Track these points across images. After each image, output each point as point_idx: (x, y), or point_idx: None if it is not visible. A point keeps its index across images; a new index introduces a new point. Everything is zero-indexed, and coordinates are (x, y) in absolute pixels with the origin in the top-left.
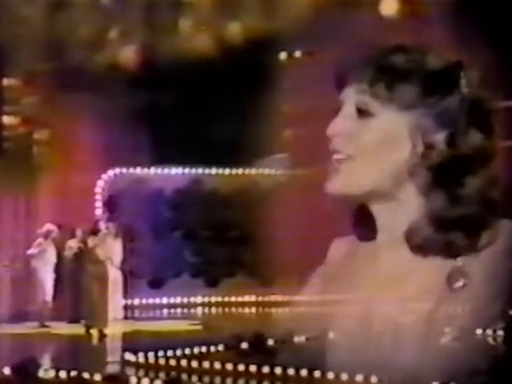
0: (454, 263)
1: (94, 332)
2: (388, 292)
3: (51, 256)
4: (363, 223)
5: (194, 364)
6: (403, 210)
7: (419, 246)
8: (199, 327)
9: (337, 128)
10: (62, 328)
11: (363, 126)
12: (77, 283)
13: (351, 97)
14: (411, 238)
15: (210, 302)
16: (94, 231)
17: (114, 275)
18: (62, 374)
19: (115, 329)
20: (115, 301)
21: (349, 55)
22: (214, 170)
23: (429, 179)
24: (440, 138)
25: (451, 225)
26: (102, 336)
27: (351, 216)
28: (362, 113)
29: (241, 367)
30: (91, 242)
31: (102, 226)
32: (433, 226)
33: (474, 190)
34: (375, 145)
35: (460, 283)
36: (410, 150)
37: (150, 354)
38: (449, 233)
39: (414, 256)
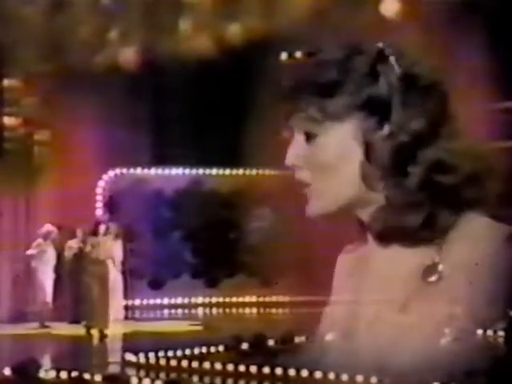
0: (430, 258)
1: (95, 332)
2: (377, 291)
3: (51, 257)
4: (356, 226)
5: (195, 364)
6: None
7: (380, 234)
8: (200, 328)
9: (291, 158)
10: (63, 328)
11: (313, 149)
12: (77, 284)
13: (297, 125)
14: (372, 226)
15: (210, 302)
16: (94, 232)
17: (115, 276)
18: (63, 375)
19: (116, 329)
20: (116, 301)
21: (286, 85)
22: (214, 171)
23: (377, 174)
24: (378, 136)
25: (404, 212)
26: (103, 336)
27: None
28: (309, 137)
29: (241, 368)
30: (91, 242)
31: (102, 226)
32: (390, 213)
33: (417, 176)
34: (329, 161)
35: (433, 278)
36: (359, 157)
37: (151, 355)
38: (404, 219)
39: (396, 252)
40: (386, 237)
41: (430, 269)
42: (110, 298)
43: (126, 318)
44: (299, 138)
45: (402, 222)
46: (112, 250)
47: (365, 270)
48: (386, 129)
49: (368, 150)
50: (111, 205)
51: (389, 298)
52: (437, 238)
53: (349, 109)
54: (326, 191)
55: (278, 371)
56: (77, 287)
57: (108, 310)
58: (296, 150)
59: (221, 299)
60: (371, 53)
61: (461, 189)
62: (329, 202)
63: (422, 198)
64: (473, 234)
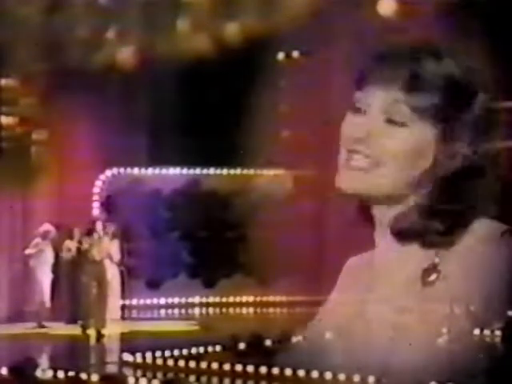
0: (431, 259)
1: (92, 332)
2: (381, 290)
3: (49, 256)
4: (362, 223)
5: (192, 364)
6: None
7: (400, 231)
8: (197, 327)
9: (360, 131)
10: (60, 328)
11: (393, 133)
12: (74, 284)
13: (380, 101)
14: (395, 225)
15: (207, 302)
16: (89, 231)
17: (112, 275)
18: (60, 375)
19: (113, 329)
20: (113, 301)
21: (371, 52)
22: (211, 171)
23: (439, 186)
24: (460, 148)
25: (435, 214)
26: (100, 336)
27: (352, 215)
28: (393, 120)
29: (238, 368)
30: (87, 242)
31: (98, 226)
32: (419, 216)
33: (476, 193)
34: (403, 154)
35: (432, 278)
36: (431, 160)
37: (148, 355)
38: (430, 224)
39: (401, 252)
40: (405, 236)
41: (430, 269)
42: (107, 298)
43: (123, 317)
44: (377, 115)
45: (428, 226)
46: (108, 249)
47: (370, 270)
48: (465, 146)
49: (446, 160)
50: (108, 205)
51: (391, 299)
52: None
53: (448, 112)
54: (379, 177)
55: (275, 371)
56: (74, 287)
57: (105, 310)
58: (371, 124)
59: (218, 299)
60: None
61: (487, 196)
62: (373, 187)
63: (464, 208)
64: (471, 233)
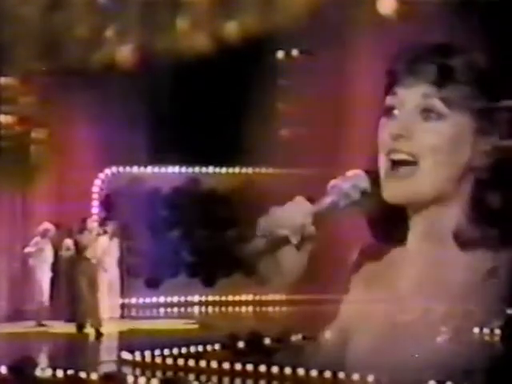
0: (491, 262)
1: (90, 331)
2: (419, 295)
3: (48, 255)
4: (393, 227)
5: (191, 363)
6: (447, 214)
7: (467, 241)
8: (196, 326)
9: (399, 128)
10: (59, 327)
11: (430, 127)
12: (72, 282)
13: (414, 98)
14: (459, 234)
15: (206, 301)
16: (81, 230)
17: (112, 274)
18: (59, 373)
19: (112, 328)
20: (112, 300)
21: (401, 53)
22: (211, 169)
23: (486, 177)
24: (495, 142)
25: (500, 219)
26: (99, 335)
27: (379, 219)
28: (428, 115)
29: (237, 366)
30: (81, 240)
31: (90, 224)
32: (482, 218)
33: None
34: (442, 148)
35: (494, 280)
36: (469, 153)
37: (147, 353)
38: (496, 227)
39: (452, 257)
40: (470, 245)
41: (492, 272)
42: (102, 296)
43: (123, 316)
44: (413, 112)
45: (487, 232)
46: (105, 248)
47: (403, 271)
48: (495, 142)
49: (487, 151)
50: (108, 203)
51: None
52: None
53: (481, 103)
54: (422, 179)
55: (275, 369)
56: (72, 286)
57: (98, 309)
58: (407, 120)
59: (217, 298)
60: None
61: None
62: (419, 192)
63: None
64: None
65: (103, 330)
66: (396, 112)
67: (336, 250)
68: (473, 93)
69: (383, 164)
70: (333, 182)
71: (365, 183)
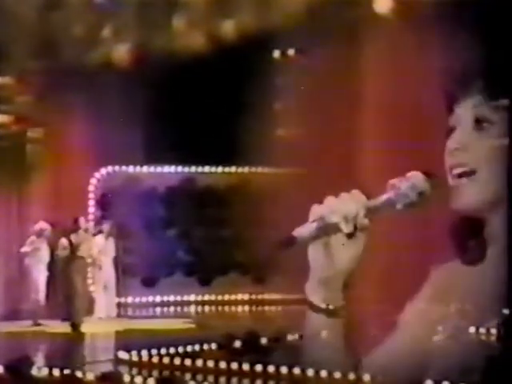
0: None
1: (70, 324)
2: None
3: (44, 254)
4: (472, 247)
5: (188, 362)
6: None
7: None
8: (192, 325)
9: (455, 142)
10: (56, 326)
11: (481, 135)
12: (67, 281)
13: (468, 111)
14: None
15: (203, 300)
16: (75, 229)
17: (108, 274)
18: (56, 373)
19: (108, 327)
20: (109, 299)
21: (455, 73)
22: (207, 168)
23: None
24: None
25: None
26: (77, 331)
27: (460, 240)
28: (481, 124)
29: (234, 365)
30: (75, 239)
31: (83, 223)
32: None
33: None
34: (495, 153)
35: None
36: None
37: (144, 353)
38: None
39: None
40: None
41: None
42: (98, 296)
43: (119, 315)
44: (467, 123)
45: None
46: (100, 247)
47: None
48: None
49: None
50: (104, 202)
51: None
52: None
53: None
54: (490, 180)
55: (271, 369)
56: (68, 285)
57: (83, 306)
58: (462, 134)
59: (214, 297)
60: None
61: None
62: (488, 192)
63: None
64: None
65: (99, 329)
66: (453, 130)
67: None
68: None
69: (450, 180)
70: (392, 181)
71: (423, 185)
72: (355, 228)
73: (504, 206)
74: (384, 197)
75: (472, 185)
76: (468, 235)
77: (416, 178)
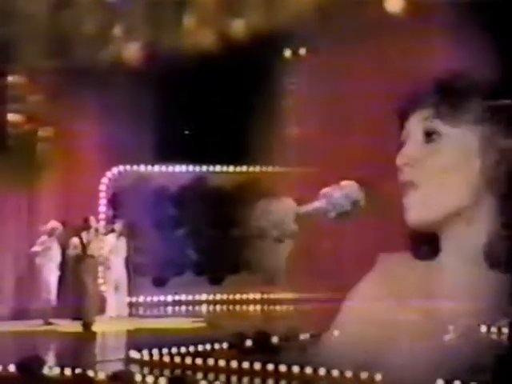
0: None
1: (81, 323)
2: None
3: (55, 254)
4: (424, 243)
5: (199, 361)
6: (476, 226)
7: (499, 262)
8: (203, 325)
9: (405, 157)
10: (67, 326)
11: (432, 150)
12: (78, 281)
13: (416, 124)
14: (490, 255)
15: (214, 299)
16: (85, 228)
17: (119, 273)
18: (67, 372)
19: (119, 326)
20: (120, 299)
21: (410, 90)
22: (218, 168)
23: (506, 184)
24: (506, 146)
25: None
26: (88, 330)
27: (410, 235)
28: (430, 136)
29: (245, 365)
30: (86, 238)
31: (93, 222)
32: (506, 238)
33: None
34: (445, 164)
35: None
36: (480, 163)
37: (155, 352)
38: None
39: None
40: (504, 265)
41: None
42: (109, 295)
43: (130, 314)
44: (416, 137)
45: None
46: (111, 246)
47: (433, 283)
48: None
49: (502, 156)
50: (115, 202)
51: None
52: None
53: (481, 114)
54: (435, 196)
55: (282, 368)
56: (79, 284)
57: (94, 306)
58: (411, 149)
59: (224, 296)
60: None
61: None
62: (436, 209)
63: None
64: None
65: (110, 328)
66: (405, 143)
67: (345, 249)
68: (478, 107)
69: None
70: (325, 190)
71: (357, 194)
72: (284, 233)
73: (464, 217)
74: (315, 204)
75: (419, 200)
76: (420, 242)
77: (350, 187)
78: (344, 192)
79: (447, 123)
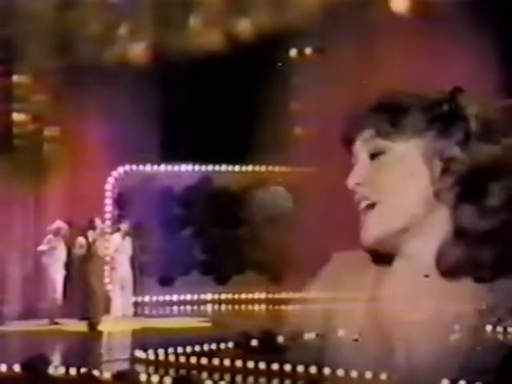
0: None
1: (87, 323)
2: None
3: (61, 253)
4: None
5: (204, 361)
6: (429, 235)
7: (450, 270)
8: (209, 324)
9: (355, 178)
10: (73, 325)
11: (378, 167)
12: (85, 280)
13: (361, 146)
14: (441, 262)
15: (219, 299)
16: (91, 228)
17: (125, 273)
18: (72, 371)
19: (125, 326)
20: (126, 298)
21: (351, 116)
22: (223, 167)
23: (456, 194)
24: (457, 150)
25: (481, 240)
26: (94, 329)
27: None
28: (375, 156)
29: (250, 364)
30: (92, 238)
31: (98, 223)
32: (462, 244)
33: (499, 197)
34: (392, 181)
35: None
36: (427, 174)
37: (160, 351)
38: (478, 251)
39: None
40: (455, 272)
41: (486, 312)
42: (115, 295)
43: (136, 314)
44: (363, 158)
45: (476, 254)
46: (117, 246)
47: (383, 287)
48: (460, 147)
49: (446, 165)
50: (121, 201)
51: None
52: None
53: (424, 126)
54: (389, 211)
55: (287, 367)
56: (85, 284)
57: (100, 305)
58: (360, 169)
59: (230, 296)
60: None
61: None
62: (391, 223)
63: (501, 224)
64: None
65: (116, 327)
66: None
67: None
68: (417, 119)
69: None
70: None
71: (283, 198)
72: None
73: (416, 227)
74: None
75: (374, 217)
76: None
77: (276, 191)
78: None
79: (388, 139)
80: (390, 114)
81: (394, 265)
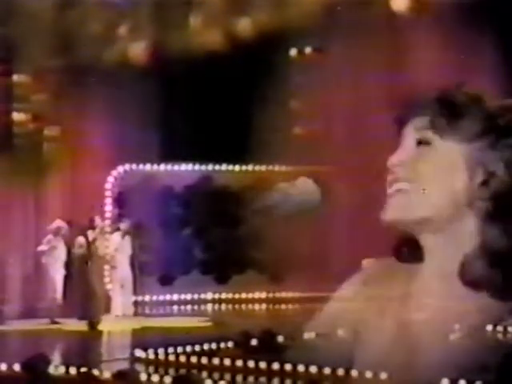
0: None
1: (87, 322)
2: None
3: (61, 253)
4: (407, 247)
5: (204, 360)
6: (456, 242)
7: (473, 282)
8: (209, 324)
9: (397, 158)
10: (73, 324)
11: (421, 154)
12: (85, 280)
13: (412, 131)
14: (465, 273)
15: (219, 298)
16: (91, 228)
17: (125, 272)
18: (72, 371)
19: (125, 325)
20: (126, 298)
21: (410, 99)
22: (223, 167)
23: (488, 210)
24: (500, 167)
25: (506, 261)
26: (94, 329)
27: (396, 239)
28: (421, 143)
29: (251, 364)
30: (92, 237)
31: (99, 222)
32: (488, 260)
33: None
34: (431, 171)
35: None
36: (466, 180)
37: (160, 351)
38: (503, 270)
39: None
40: (477, 285)
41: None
42: (115, 294)
43: (136, 313)
44: (409, 143)
45: (502, 275)
46: (117, 245)
47: (414, 290)
48: (504, 165)
49: (486, 179)
50: (121, 201)
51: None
52: None
53: (476, 135)
54: (418, 199)
55: (288, 367)
56: (85, 283)
57: (100, 304)
58: (404, 152)
59: (230, 295)
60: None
61: None
62: (415, 210)
63: None
64: None
65: (116, 327)
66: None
67: (349, 248)
68: (472, 127)
69: (387, 192)
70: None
71: (312, 191)
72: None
73: (442, 229)
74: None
75: (402, 199)
76: (401, 243)
77: (305, 183)
78: (299, 189)
79: (438, 134)
80: (450, 112)
81: (422, 267)
